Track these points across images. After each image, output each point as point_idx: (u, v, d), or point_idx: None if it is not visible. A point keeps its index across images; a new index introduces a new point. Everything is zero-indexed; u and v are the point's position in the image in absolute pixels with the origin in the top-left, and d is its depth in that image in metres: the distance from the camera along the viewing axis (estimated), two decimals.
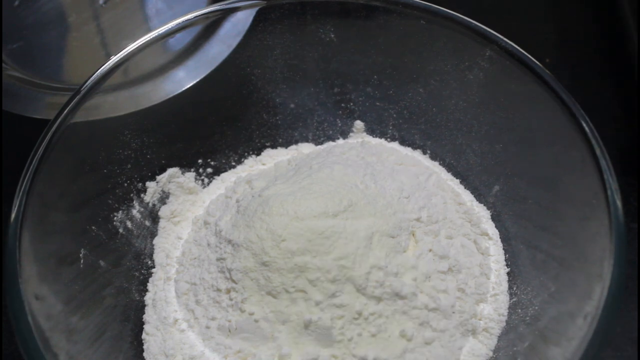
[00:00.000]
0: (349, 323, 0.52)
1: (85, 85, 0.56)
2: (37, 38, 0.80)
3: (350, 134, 0.72)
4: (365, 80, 0.69)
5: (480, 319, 0.56)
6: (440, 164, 0.68)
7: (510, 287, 0.58)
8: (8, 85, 0.72)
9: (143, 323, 0.59)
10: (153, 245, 0.64)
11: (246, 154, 0.71)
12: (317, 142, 0.72)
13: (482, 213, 0.64)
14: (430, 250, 0.57)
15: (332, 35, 0.66)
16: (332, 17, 0.65)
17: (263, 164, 0.70)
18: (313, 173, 0.59)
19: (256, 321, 0.53)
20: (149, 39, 0.60)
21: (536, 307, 0.55)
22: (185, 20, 0.61)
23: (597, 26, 0.87)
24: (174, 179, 0.66)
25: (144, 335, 0.57)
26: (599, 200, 0.48)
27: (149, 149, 0.64)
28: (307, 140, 0.72)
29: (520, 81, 0.57)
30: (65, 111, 0.55)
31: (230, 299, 0.54)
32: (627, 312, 0.62)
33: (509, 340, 0.55)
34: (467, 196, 0.65)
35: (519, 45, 0.57)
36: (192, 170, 0.68)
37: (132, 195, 0.63)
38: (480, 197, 0.65)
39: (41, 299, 0.48)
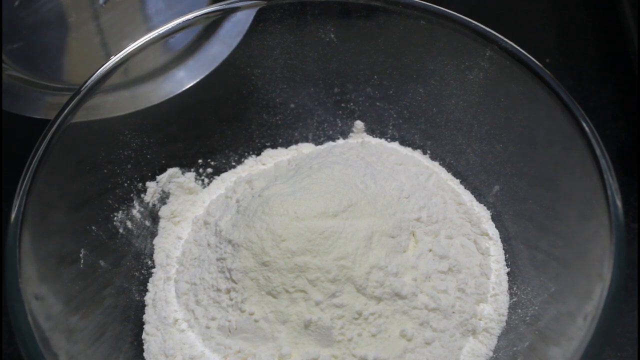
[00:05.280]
0: (349, 323, 0.52)
1: (85, 85, 0.56)
2: (37, 38, 0.80)
3: (351, 134, 0.72)
4: (365, 80, 0.69)
5: (480, 319, 0.56)
6: (440, 164, 0.68)
7: (510, 287, 0.58)
8: (8, 85, 0.72)
9: (143, 323, 0.59)
10: (153, 245, 0.64)
11: (246, 154, 0.71)
12: (317, 142, 0.72)
13: (482, 213, 0.64)
14: (430, 250, 0.57)
15: (332, 35, 0.66)
16: (332, 17, 0.65)
17: (263, 164, 0.70)
18: (313, 173, 0.59)
19: (256, 321, 0.53)
20: (149, 39, 0.60)
21: (536, 307, 0.55)
22: (186, 20, 0.61)
23: (597, 26, 0.87)
24: (174, 179, 0.66)
25: (144, 336, 0.57)
26: (599, 200, 0.48)
27: (149, 149, 0.64)
28: (307, 140, 0.72)
29: (520, 81, 0.57)
30: (65, 111, 0.55)
31: (230, 299, 0.55)
32: (627, 312, 0.62)
33: (509, 340, 0.55)
34: (467, 196, 0.65)
35: (519, 45, 0.57)
36: (192, 170, 0.68)
37: (132, 195, 0.63)
38: (480, 197, 0.65)
39: (41, 299, 0.48)
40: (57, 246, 0.54)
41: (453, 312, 0.55)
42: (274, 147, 0.72)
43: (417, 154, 0.69)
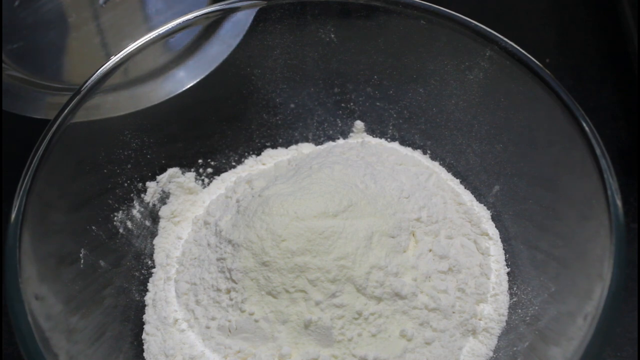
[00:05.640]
0: (349, 323, 0.52)
1: (85, 85, 0.56)
2: (37, 38, 0.80)
3: (351, 134, 0.72)
4: (365, 80, 0.69)
5: (480, 319, 0.56)
6: (440, 164, 0.68)
7: (510, 287, 0.58)
8: (8, 85, 0.72)
9: (143, 323, 0.59)
10: (153, 245, 0.64)
11: (246, 154, 0.71)
12: (317, 142, 0.72)
13: (482, 213, 0.64)
14: (430, 250, 0.57)
15: (332, 35, 0.66)
16: (332, 17, 0.65)
17: (263, 164, 0.70)
18: (313, 173, 0.59)
19: (256, 321, 0.53)
20: (149, 39, 0.60)
21: (536, 307, 0.55)
22: (186, 20, 0.61)
23: (597, 26, 0.87)
24: (174, 179, 0.66)
25: (144, 335, 0.57)
26: (599, 200, 0.48)
27: (149, 149, 0.64)
28: (307, 140, 0.72)
29: (520, 81, 0.57)
30: (65, 111, 0.55)
31: (230, 299, 0.55)
32: (627, 312, 0.62)
33: (509, 340, 0.55)
34: (467, 196, 0.65)
35: (519, 45, 0.57)
36: (192, 170, 0.68)
37: (132, 195, 0.63)
38: (480, 197, 0.65)
39: (41, 299, 0.48)
40: (57, 246, 0.54)
41: (453, 312, 0.55)
42: (274, 147, 0.72)
43: (417, 154, 0.69)
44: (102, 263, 0.58)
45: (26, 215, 0.49)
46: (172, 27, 0.60)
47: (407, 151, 0.69)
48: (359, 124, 0.71)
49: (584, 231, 0.52)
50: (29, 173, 0.51)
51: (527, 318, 0.55)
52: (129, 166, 0.63)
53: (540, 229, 0.58)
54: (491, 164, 0.64)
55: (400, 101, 0.68)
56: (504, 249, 0.61)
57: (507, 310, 0.57)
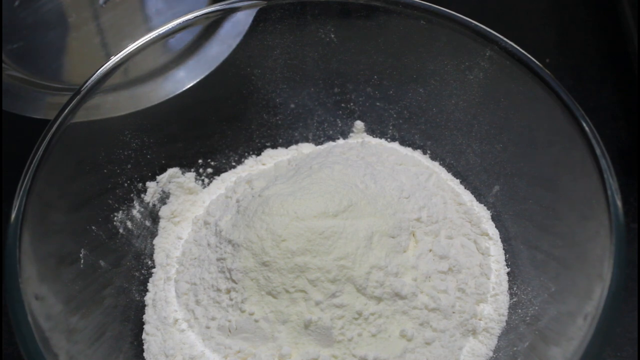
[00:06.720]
0: (349, 323, 0.52)
1: (85, 85, 0.56)
2: (37, 38, 0.80)
3: (351, 134, 0.72)
4: (365, 80, 0.69)
5: (480, 319, 0.56)
6: (440, 164, 0.68)
7: (510, 287, 0.59)
8: (8, 85, 0.72)
9: (143, 323, 0.59)
10: (153, 245, 0.64)
11: (246, 154, 0.71)
12: (317, 142, 0.72)
13: (482, 213, 0.64)
14: (430, 251, 0.57)
15: (332, 35, 0.66)
16: (332, 17, 0.65)
17: (263, 164, 0.70)
18: (313, 173, 0.59)
19: (256, 321, 0.53)
20: (149, 39, 0.60)
21: (536, 307, 0.55)
22: (186, 20, 0.61)
23: (597, 26, 0.87)
24: (174, 179, 0.66)
25: (144, 335, 0.57)
26: (599, 200, 0.48)
27: (149, 149, 0.64)
28: (307, 140, 0.72)
29: (520, 81, 0.57)
30: (65, 111, 0.55)
31: (231, 299, 0.55)
32: (627, 312, 0.62)
33: (509, 340, 0.55)
34: (467, 196, 0.65)
35: (519, 45, 0.57)
36: (192, 170, 0.68)
37: (132, 195, 0.63)
38: (480, 197, 0.65)
39: (41, 299, 0.48)
40: (57, 246, 0.54)
41: (453, 312, 0.55)
42: (274, 147, 0.72)
43: (417, 154, 0.69)
44: (102, 263, 0.58)
45: (26, 215, 0.49)
46: (172, 27, 0.60)
47: (407, 151, 0.69)
48: (359, 124, 0.71)
49: (584, 231, 0.52)
50: (29, 173, 0.51)
51: (527, 318, 0.55)
52: (129, 166, 0.63)
53: (540, 229, 0.58)
54: (491, 164, 0.64)
55: (400, 101, 0.68)
56: (504, 249, 0.61)
57: (507, 310, 0.57)
